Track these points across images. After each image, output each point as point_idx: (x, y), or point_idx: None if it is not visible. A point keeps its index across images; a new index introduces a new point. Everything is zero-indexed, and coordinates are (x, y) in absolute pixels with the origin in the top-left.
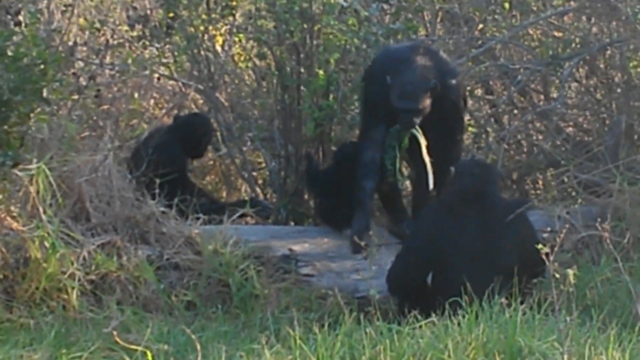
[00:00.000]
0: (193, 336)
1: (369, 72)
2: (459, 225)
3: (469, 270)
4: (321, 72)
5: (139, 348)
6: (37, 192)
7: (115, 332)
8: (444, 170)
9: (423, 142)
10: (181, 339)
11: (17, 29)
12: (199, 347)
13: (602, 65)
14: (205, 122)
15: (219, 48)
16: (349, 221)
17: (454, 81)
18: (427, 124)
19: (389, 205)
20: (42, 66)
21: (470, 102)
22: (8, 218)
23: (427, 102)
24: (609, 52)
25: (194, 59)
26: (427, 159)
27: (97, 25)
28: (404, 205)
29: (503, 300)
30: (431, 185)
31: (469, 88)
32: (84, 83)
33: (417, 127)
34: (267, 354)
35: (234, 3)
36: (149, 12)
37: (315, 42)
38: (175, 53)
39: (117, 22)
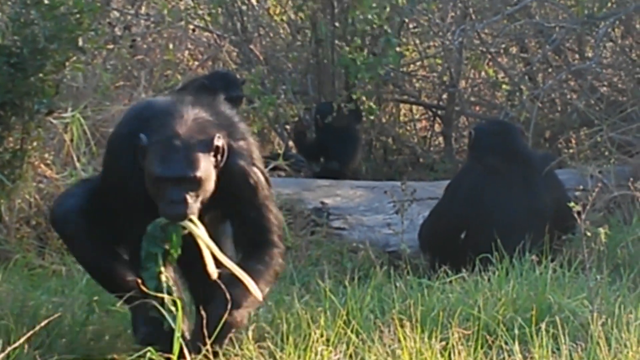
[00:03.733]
0: (223, 287)
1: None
2: (504, 183)
3: (505, 225)
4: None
5: (171, 297)
6: (71, 140)
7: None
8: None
9: (204, 242)
10: None
11: None
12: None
13: (637, 25)
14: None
15: (254, 1)
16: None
17: (243, 143)
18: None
19: None
20: (78, 15)
21: (504, 59)
22: (42, 165)
23: (209, 169)
24: None
25: (227, 12)
26: (212, 268)
27: None
28: None
29: (534, 257)
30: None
31: (503, 46)
32: (119, 33)
33: (193, 217)
34: (297, 305)
35: None
36: None
37: None
38: (210, 5)
39: None
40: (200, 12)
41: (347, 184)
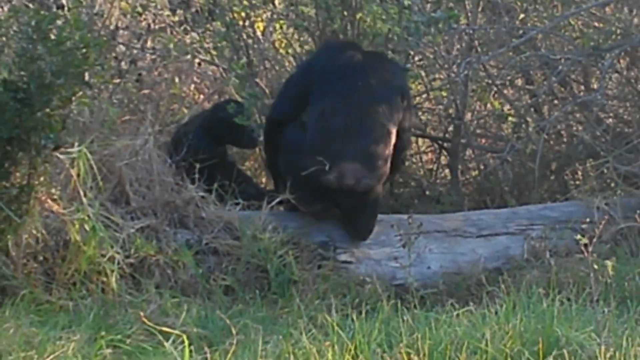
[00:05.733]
0: (228, 322)
1: None
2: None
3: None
4: None
5: (176, 332)
6: (78, 175)
7: (147, 316)
8: None
9: None
10: (219, 323)
11: (60, 12)
12: (234, 332)
13: None
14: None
15: (259, 34)
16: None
17: None
18: None
19: None
20: (84, 50)
21: (510, 91)
22: (49, 200)
23: None
24: None
25: (233, 46)
26: None
27: (139, 9)
28: None
29: (541, 290)
30: None
31: (509, 78)
32: (126, 67)
33: None
34: (304, 340)
35: None
36: None
37: (355, 31)
38: (216, 39)
39: (159, 7)
40: (206, 45)
41: None
